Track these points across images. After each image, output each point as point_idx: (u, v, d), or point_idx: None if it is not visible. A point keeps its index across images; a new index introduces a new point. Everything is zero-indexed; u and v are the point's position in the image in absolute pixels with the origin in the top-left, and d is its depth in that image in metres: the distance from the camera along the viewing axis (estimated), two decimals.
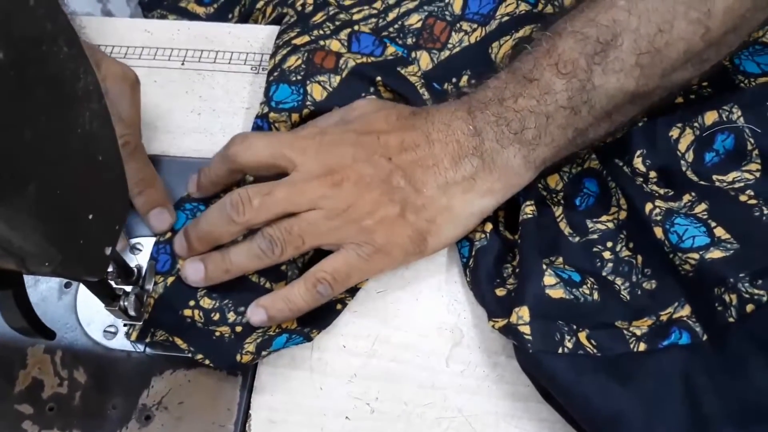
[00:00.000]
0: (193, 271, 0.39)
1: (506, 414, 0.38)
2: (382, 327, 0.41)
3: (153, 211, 0.42)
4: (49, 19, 0.24)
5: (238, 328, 0.39)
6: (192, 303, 0.40)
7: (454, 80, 0.48)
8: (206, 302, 0.40)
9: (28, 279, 0.31)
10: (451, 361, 0.39)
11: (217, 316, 0.40)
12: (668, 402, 0.34)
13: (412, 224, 0.39)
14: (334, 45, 0.47)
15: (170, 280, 0.40)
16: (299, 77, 0.46)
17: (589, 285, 0.39)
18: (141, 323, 0.39)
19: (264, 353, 0.37)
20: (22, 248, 0.25)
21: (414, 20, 0.49)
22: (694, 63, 0.38)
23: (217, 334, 0.39)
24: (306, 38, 0.48)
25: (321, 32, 0.48)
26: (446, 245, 0.41)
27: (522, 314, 0.36)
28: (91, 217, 0.28)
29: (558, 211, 0.43)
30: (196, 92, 0.51)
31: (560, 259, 0.41)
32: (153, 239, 0.43)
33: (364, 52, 0.48)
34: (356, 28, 0.49)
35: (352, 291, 0.41)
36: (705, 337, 0.35)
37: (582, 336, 0.36)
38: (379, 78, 0.46)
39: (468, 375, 0.39)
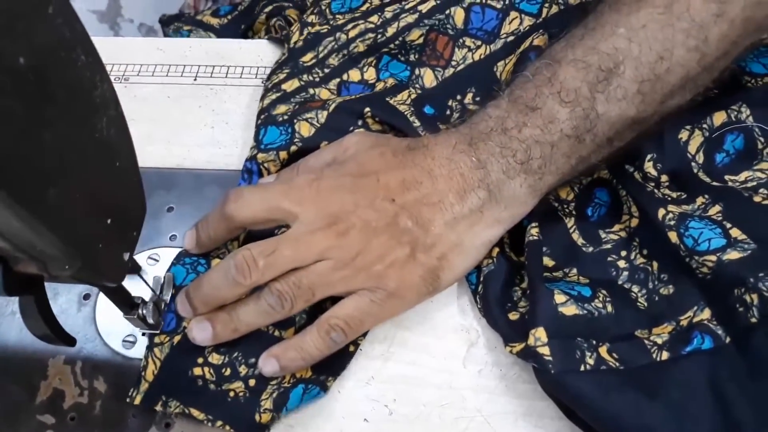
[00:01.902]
0: (200, 331, 0.38)
1: (525, 413, 0.38)
2: (398, 330, 0.41)
3: None
4: (68, 27, 0.25)
5: (252, 382, 0.38)
6: (201, 360, 0.39)
7: (458, 98, 0.48)
8: (215, 358, 0.39)
9: (47, 292, 0.32)
10: (467, 361, 0.39)
11: (228, 372, 0.38)
12: (698, 411, 0.33)
13: (423, 264, 0.38)
14: (324, 94, 0.47)
15: (177, 339, 0.39)
16: (286, 117, 0.45)
17: (600, 298, 0.38)
18: (147, 386, 0.38)
19: (284, 411, 0.37)
20: (43, 252, 0.26)
21: (415, 36, 0.48)
22: (690, 88, 0.39)
23: (232, 394, 0.38)
24: (296, 83, 0.48)
25: (311, 78, 0.48)
26: (458, 279, 0.41)
27: (539, 335, 0.35)
28: (109, 222, 0.29)
29: (570, 222, 0.43)
30: (208, 106, 0.52)
31: (574, 271, 0.41)
32: (170, 250, 0.44)
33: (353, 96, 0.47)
34: (345, 77, 0.48)
35: (365, 332, 0.40)
36: (728, 340, 0.35)
37: (603, 350, 0.36)
38: (367, 109, 0.45)
39: (485, 375, 0.39)
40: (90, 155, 0.27)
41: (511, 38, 0.48)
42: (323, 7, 0.50)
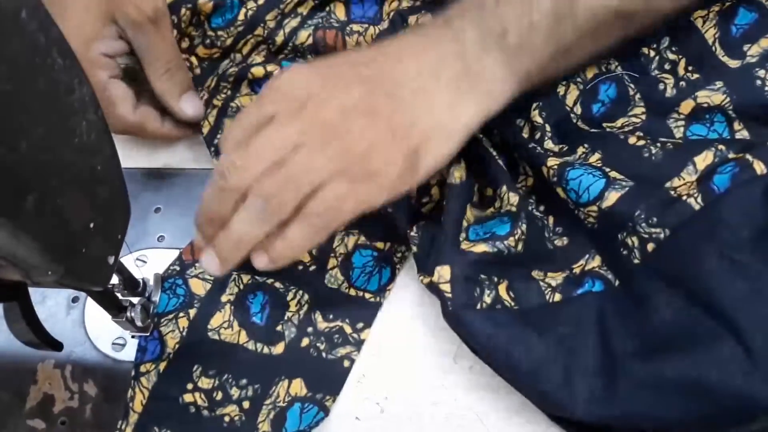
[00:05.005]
0: (209, 261, 0.36)
1: (518, 409, 0.38)
2: (389, 327, 0.41)
3: (185, 95, 0.45)
4: (42, 32, 0.25)
5: (246, 404, 0.38)
6: (190, 386, 0.38)
7: None
8: (205, 382, 0.38)
9: (35, 296, 0.32)
10: (458, 358, 0.39)
11: (219, 395, 0.38)
12: (583, 348, 0.35)
13: (402, 143, 0.36)
14: (244, 100, 0.46)
15: (162, 366, 0.39)
16: None
17: (517, 236, 0.38)
18: (136, 417, 0.37)
19: None
20: (25, 259, 0.25)
21: (303, 38, 0.46)
22: None
23: (227, 419, 0.37)
24: (218, 104, 0.47)
25: (223, 95, 0.47)
26: (439, 165, 0.38)
27: (443, 273, 0.37)
28: (92, 226, 0.29)
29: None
30: None
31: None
32: (158, 251, 0.44)
33: None
34: (250, 77, 0.46)
35: (358, 345, 0.40)
36: (617, 283, 0.37)
37: (502, 288, 0.37)
38: None
39: (477, 372, 0.39)
40: (69, 160, 0.27)
41: (393, 14, 0.47)
42: (202, 18, 0.47)
